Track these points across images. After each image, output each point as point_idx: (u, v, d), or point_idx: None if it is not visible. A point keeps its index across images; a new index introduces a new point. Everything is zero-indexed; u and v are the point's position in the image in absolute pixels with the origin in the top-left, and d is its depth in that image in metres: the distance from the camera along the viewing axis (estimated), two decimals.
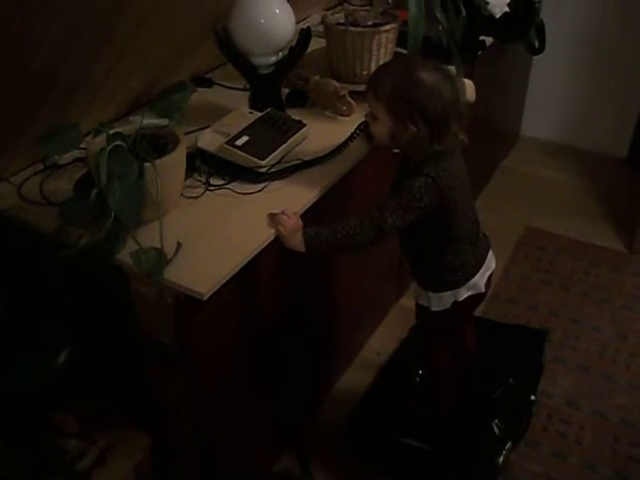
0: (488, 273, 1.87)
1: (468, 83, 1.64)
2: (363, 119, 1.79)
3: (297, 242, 1.56)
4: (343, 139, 1.86)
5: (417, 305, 1.97)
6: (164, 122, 1.57)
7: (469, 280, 1.81)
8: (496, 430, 2.19)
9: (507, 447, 2.17)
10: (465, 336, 2.18)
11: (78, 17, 1.53)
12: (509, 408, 2.27)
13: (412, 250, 1.85)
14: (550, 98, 3.83)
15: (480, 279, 1.84)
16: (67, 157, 1.81)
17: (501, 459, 2.13)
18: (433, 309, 1.86)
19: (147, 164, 1.45)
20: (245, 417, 1.87)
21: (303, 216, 1.63)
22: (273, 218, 1.59)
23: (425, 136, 1.54)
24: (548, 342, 2.60)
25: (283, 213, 1.58)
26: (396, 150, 1.73)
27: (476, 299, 1.88)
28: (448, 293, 1.82)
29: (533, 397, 2.36)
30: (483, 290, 1.86)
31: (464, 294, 1.82)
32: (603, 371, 2.52)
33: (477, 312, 2.68)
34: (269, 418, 2.02)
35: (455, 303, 1.83)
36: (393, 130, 1.58)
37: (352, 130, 1.86)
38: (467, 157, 1.67)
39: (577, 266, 3.06)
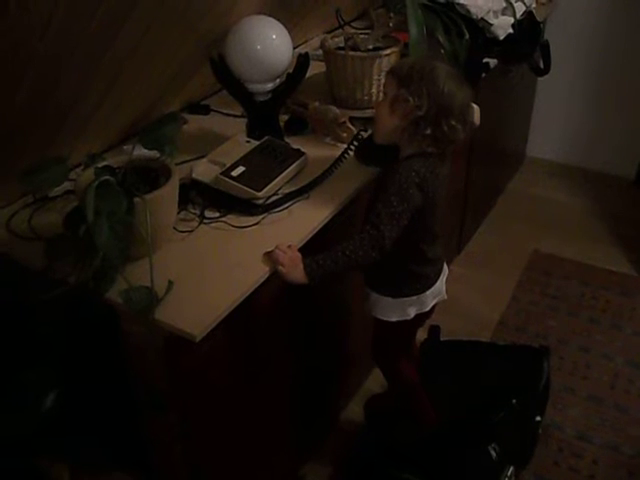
0: (444, 278, 1.90)
1: (475, 107, 1.66)
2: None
3: (298, 276, 1.50)
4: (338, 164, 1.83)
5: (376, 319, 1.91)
6: (156, 153, 1.51)
7: (432, 286, 1.82)
8: (493, 454, 2.07)
9: (509, 473, 2.07)
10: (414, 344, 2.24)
11: (66, 44, 1.48)
12: (509, 430, 2.16)
13: None
14: (556, 119, 3.79)
15: (441, 285, 1.87)
16: (58, 189, 1.74)
17: None
18: (393, 320, 1.84)
19: (137, 199, 1.38)
20: (242, 458, 1.80)
21: (305, 246, 1.58)
22: (270, 256, 1.51)
23: (421, 109, 1.53)
24: (549, 361, 2.42)
25: (278, 249, 1.51)
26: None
27: (433, 309, 1.91)
28: (414, 298, 1.81)
29: (539, 418, 2.24)
30: (446, 296, 1.91)
31: (430, 302, 1.84)
32: (615, 401, 2.45)
33: (482, 338, 2.64)
34: (266, 458, 1.95)
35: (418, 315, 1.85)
36: (393, 99, 1.58)
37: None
38: (472, 179, 1.62)
39: (586, 291, 2.99)
